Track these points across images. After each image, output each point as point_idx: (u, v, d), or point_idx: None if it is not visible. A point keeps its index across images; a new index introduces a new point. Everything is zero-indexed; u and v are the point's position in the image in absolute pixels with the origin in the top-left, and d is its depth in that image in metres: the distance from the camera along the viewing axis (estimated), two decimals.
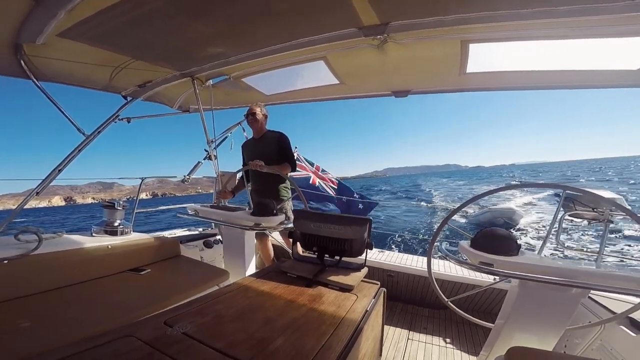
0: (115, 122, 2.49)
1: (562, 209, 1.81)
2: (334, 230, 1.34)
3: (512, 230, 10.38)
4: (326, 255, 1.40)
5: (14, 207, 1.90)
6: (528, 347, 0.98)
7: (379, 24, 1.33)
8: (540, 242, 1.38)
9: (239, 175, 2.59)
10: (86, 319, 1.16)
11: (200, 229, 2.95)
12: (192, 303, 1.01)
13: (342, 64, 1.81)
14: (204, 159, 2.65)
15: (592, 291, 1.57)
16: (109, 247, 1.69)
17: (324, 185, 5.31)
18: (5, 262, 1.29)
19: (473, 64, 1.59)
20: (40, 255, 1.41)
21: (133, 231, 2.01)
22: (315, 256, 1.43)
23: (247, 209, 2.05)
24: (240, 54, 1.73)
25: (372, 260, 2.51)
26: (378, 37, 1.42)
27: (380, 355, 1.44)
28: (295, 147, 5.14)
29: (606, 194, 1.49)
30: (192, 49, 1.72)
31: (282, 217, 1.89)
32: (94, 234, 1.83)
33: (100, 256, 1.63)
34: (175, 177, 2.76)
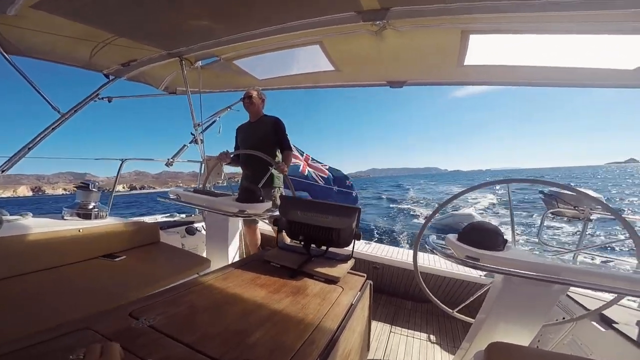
0: (95, 101, 2.35)
1: (545, 206, 1.82)
2: (322, 219, 1.28)
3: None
4: (313, 245, 1.35)
5: None
6: (508, 342, 0.97)
7: (379, 9, 1.27)
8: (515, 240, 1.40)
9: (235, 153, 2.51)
10: (46, 309, 1.07)
11: (183, 216, 2.85)
12: (164, 293, 0.93)
13: (339, 49, 1.74)
14: (189, 143, 2.54)
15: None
16: (80, 230, 1.58)
17: (313, 175, 5.26)
18: None
19: (472, 56, 1.55)
20: (1, 238, 1.30)
21: (109, 216, 1.89)
22: (301, 245, 1.37)
23: (232, 194, 1.97)
24: (233, 34, 1.64)
25: (358, 252, 2.47)
26: (377, 22, 1.35)
27: (368, 350, 1.41)
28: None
29: (591, 193, 1.53)
30: (181, 28, 1.61)
31: (268, 205, 1.81)
32: (64, 217, 1.71)
33: (70, 240, 1.52)
34: (156, 160, 2.63)
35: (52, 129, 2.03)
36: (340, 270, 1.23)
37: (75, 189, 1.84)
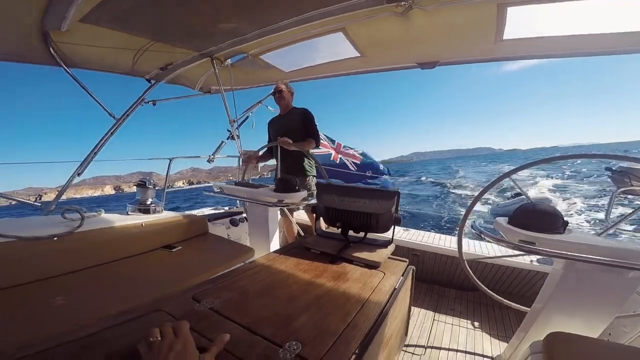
0: (142, 105, 2.57)
1: (614, 184, 1.63)
2: (360, 204, 1.28)
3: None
4: (351, 231, 1.37)
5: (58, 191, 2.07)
6: (570, 332, 0.90)
7: None
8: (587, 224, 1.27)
9: (262, 151, 2.63)
10: (121, 295, 1.26)
11: (227, 208, 3.08)
12: (218, 279, 1.05)
13: (363, 34, 1.70)
14: (227, 139, 2.70)
15: None
16: (143, 224, 1.81)
17: (345, 162, 5.28)
18: (55, 238, 1.41)
19: (511, 30, 1.43)
20: (84, 232, 1.54)
21: (165, 210, 2.12)
22: (339, 232, 1.40)
23: (269, 186, 2.09)
24: (257, 29, 1.68)
25: (398, 238, 2.45)
26: (402, 3, 1.30)
27: (406, 335, 1.43)
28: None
29: None
30: (208, 27, 1.69)
31: (304, 193, 1.90)
32: (129, 213, 1.96)
33: (135, 233, 1.75)
34: (201, 156, 2.84)
35: (111, 133, 2.29)
36: (380, 255, 1.23)
37: (135, 186, 2.08)
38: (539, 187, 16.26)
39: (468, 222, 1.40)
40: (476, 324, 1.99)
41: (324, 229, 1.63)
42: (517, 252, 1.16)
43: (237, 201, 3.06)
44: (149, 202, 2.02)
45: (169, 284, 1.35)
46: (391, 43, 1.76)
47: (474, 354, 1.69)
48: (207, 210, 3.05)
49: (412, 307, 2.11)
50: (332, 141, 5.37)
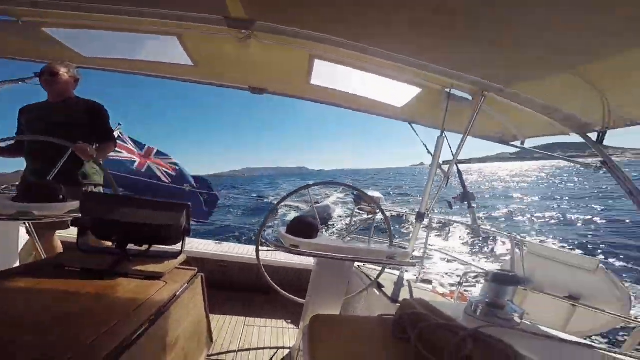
0: None
1: (354, 203, 2.28)
2: (143, 216, 1.19)
3: (329, 221, 13.52)
4: (132, 244, 1.26)
5: None
6: (327, 314, 1.17)
7: (246, 19, 1.37)
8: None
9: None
10: None
11: None
12: None
13: (200, 47, 1.71)
14: None
15: (366, 264, 2.22)
16: None
17: (155, 170, 4.42)
18: None
19: (317, 78, 1.94)
20: None
21: None
22: (113, 247, 1.25)
23: (7, 193, 1.53)
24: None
25: (205, 251, 2.54)
26: (243, 31, 1.46)
27: (212, 341, 1.49)
28: (119, 125, 4.18)
29: (374, 193, 2.08)
30: None
31: (72, 205, 1.40)
32: None
33: None
34: None
35: None
36: (165, 266, 1.20)
37: None
38: (332, 199, 21.70)
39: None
40: (281, 321, 2.29)
41: (92, 244, 1.41)
42: (288, 254, 1.51)
43: None
44: None
45: None
46: (227, 62, 1.87)
47: (278, 347, 1.95)
48: None
49: (224, 317, 2.19)
50: (140, 145, 4.43)
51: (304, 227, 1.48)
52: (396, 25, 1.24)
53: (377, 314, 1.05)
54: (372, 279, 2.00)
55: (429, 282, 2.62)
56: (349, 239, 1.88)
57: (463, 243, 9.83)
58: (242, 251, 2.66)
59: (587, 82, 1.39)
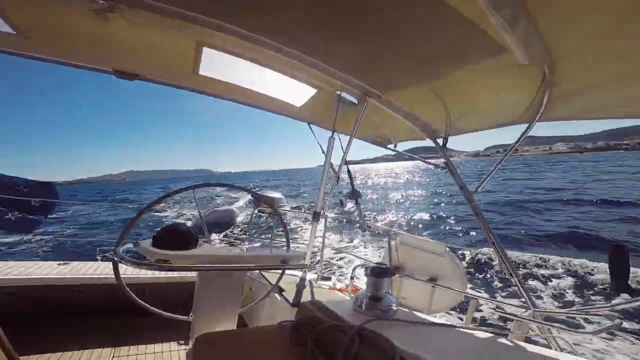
0: None
1: (252, 205, 2.11)
2: None
3: (231, 226, 12.60)
4: None
5: None
6: (213, 331, 1.04)
7: None
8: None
9: None
10: None
11: None
12: None
13: (29, 10, 1.25)
14: None
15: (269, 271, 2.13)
16: None
17: None
18: None
19: (207, 68, 1.74)
20: None
21: None
22: None
23: None
24: None
25: (47, 276, 2.11)
26: (100, 2, 1.15)
27: None
28: None
29: (275, 194, 2.03)
30: None
31: None
32: None
33: None
34: None
35: None
36: None
37: None
38: (240, 203, 20.06)
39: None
40: (170, 344, 2.00)
41: None
42: (156, 270, 1.32)
43: None
44: None
45: None
46: (80, 37, 1.43)
47: None
48: None
49: (80, 351, 1.78)
50: None
51: (176, 237, 1.25)
52: (292, 19, 1.24)
53: (279, 320, 1.04)
54: (273, 284, 1.92)
55: (329, 279, 2.76)
56: (247, 244, 1.76)
57: (355, 238, 11.03)
58: (106, 270, 2.14)
59: (436, 94, 1.77)
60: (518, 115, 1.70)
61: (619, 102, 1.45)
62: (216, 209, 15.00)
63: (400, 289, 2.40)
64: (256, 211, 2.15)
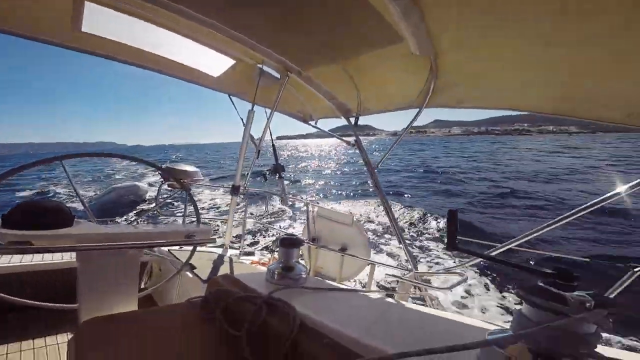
0: None
1: (163, 180, 1.97)
2: None
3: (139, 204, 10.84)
4: None
5: None
6: (101, 315, 0.96)
7: None
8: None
9: None
10: None
11: None
12: None
13: None
14: None
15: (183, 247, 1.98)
16: None
17: None
18: None
19: (89, 25, 1.44)
20: None
21: None
22: None
23: None
24: None
25: None
26: None
27: None
28: None
29: (188, 167, 1.91)
30: None
31: None
32: None
33: None
34: None
35: None
36: None
37: None
38: (150, 179, 17.59)
39: None
40: (58, 336, 1.78)
41: None
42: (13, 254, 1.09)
43: None
44: None
45: None
46: None
47: None
48: None
49: None
50: None
51: (42, 216, 1.05)
52: None
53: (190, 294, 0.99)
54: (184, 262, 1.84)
55: (252, 254, 2.78)
56: (144, 220, 1.58)
57: (278, 211, 11.15)
58: None
59: (349, 75, 1.91)
60: (413, 100, 1.98)
61: (491, 94, 1.73)
62: (115, 185, 12.84)
63: (317, 259, 2.62)
64: (165, 186, 2.04)
